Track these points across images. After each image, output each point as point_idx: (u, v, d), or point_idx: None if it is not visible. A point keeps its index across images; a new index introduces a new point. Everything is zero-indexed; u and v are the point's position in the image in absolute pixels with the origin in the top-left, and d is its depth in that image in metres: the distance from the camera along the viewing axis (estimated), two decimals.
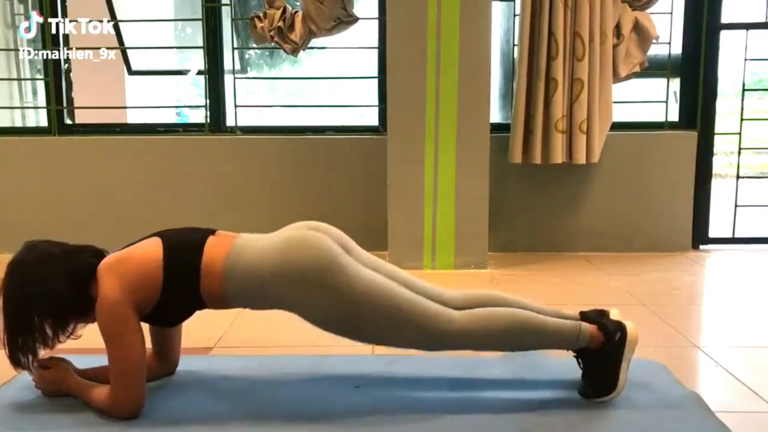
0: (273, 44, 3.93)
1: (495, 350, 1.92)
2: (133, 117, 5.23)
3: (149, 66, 5.52)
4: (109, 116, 4.63)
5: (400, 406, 1.87)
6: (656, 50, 4.01)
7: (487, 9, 3.56)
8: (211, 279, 1.77)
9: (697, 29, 4.04)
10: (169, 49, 5.83)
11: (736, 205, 4.21)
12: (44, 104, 4.41)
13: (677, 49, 4.12)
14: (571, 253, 4.04)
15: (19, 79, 5.39)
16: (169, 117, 5.87)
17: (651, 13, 3.88)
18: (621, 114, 4.05)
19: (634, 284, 3.38)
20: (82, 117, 4.57)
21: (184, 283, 1.77)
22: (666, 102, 4.10)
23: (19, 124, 5.30)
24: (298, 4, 3.93)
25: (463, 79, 3.55)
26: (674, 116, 4.17)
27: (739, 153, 4.24)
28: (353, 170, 4.06)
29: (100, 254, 1.87)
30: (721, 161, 5.41)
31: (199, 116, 4.37)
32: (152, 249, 1.81)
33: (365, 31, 4.12)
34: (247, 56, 6.16)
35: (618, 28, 3.80)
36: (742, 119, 4.16)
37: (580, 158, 3.80)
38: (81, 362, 1.96)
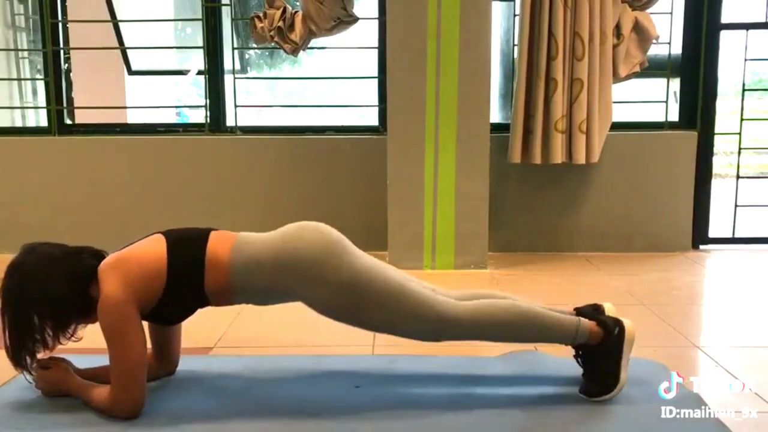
0: (273, 44, 3.93)
1: (494, 340, 1.93)
2: (133, 117, 5.24)
3: (149, 66, 5.53)
4: (109, 116, 4.63)
5: (400, 405, 1.87)
6: (656, 50, 4.01)
7: (487, 9, 3.56)
8: (216, 272, 1.78)
9: (697, 29, 4.04)
10: (169, 49, 5.84)
11: (736, 205, 4.21)
12: (44, 104, 4.41)
13: (677, 49, 4.11)
14: (571, 253, 4.04)
15: (19, 79, 5.40)
16: (169, 117, 5.88)
17: (651, 13, 3.88)
18: (621, 114, 4.05)
19: (634, 284, 3.38)
20: (82, 117, 4.58)
21: (189, 277, 1.78)
22: (666, 102, 4.10)
23: (19, 124, 5.31)
24: (298, 4, 3.93)
25: (463, 79, 3.55)
26: (674, 116, 4.16)
27: (739, 153, 4.23)
28: (353, 170, 4.06)
29: (100, 255, 1.87)
30: (721, 161, 5.40)
31: (199, 116, 4.37)
32: (155, 245, 1.82)
33: (365, 31, 4.12)
34: (247, 56, 6.16)
35: (618, 28, 3.80)
36: (742, 119, 4.16)
37: (580, 158, 3.80)
38: (81, 362, 1.96)
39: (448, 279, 3.43)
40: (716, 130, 4.14)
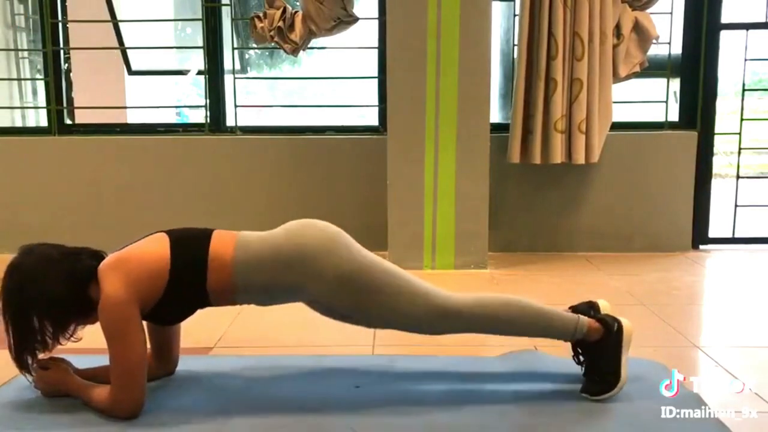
0: (273, 44, 3.93)
1: (493, 333, 1.94)
2: (133, 117, 5.24)
3: (149, 66, 5.53)
4: (109, 116, 4.63)
5: (400, 405, 1.87)
6: (656, 50, 4.01)
7: (487, 9, 3.56)
8: (219, 271, 1.79)
9: (697, 29, 4.04)
10: (169, 49, 5.84)
11: (736, 205, 4.21)
12: (44, 104, 4.41)
13: (677, 49, 4.11)
14: (571, 253, 4.04)
15: (19, 79, 5.40)
16: (169, 117, 5.88)
17: (651, 13, 3.88)
18: (621, 114, 4.05)
19: (634, 284, 3.38)
20: (82, 117, 4.58)
21: (191, 276, 1.79)
22: (666, 102, 4.10)
23: (19, 124, 5.31)
24: (298, 4, 3.93)
25: (463, 79, 3.55)
26: (674, 116, 4.16)
27: (739, 153, 4.23)
28: (353, 170, 4.06)
29: (98, 256, 1.87)
30: (721, 161, 5.40)
31: (199, 116, 4.37)
32: (157, 245, 1.82)
33: (365, 31, 4.12)
34: (247, 56, 6.17)
35: (618, 28, 3.80)
36: (742, 119, 4.16)
37: (580, 158, 3.79)
38: (81, 362, 1.96)
39: (448, 279, 3.43)
40: (716, 130, 4.14)
